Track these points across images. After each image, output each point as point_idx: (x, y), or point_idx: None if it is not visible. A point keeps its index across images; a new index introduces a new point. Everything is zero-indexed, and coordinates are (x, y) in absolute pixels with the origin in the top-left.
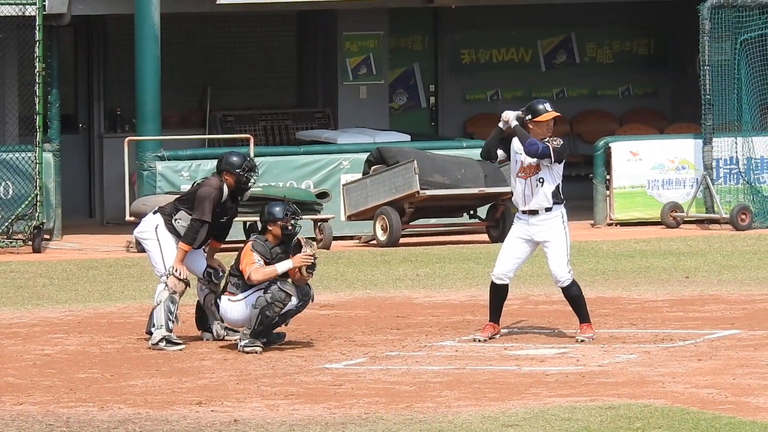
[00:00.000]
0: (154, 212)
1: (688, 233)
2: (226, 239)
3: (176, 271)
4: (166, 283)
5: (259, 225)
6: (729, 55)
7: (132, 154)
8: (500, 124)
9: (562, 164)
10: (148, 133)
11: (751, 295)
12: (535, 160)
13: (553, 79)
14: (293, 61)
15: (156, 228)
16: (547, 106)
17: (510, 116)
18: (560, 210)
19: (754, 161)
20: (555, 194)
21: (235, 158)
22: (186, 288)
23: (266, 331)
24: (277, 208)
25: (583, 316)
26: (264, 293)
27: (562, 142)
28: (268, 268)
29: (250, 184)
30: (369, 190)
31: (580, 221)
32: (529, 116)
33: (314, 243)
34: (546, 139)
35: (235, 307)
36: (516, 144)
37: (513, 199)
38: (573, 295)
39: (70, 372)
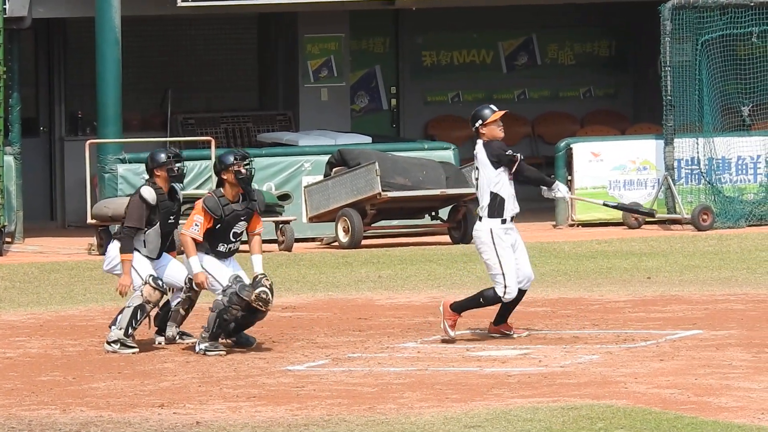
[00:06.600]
0: (112, 241)
1: (649, 234)
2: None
3: (149, 278)
4: (141, 291)
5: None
6: (690, 56)
7: (93, 157)
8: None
9: None
10: (109, 136)
11: (712, 296)
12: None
13: (514, 80)
14: (254, 63)
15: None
16: (492, 107)
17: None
18: None
19: (715, 161)
20: None
21: (158, 153)
22: (161, 297)
23: (226, 333)
24: (228, 155)
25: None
26: (222, 296)
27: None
28: (192, 248)
29: (183, 171)
30: (331, 191)
31: (542, 222)
32: (479, 122)
33: (268, 282)
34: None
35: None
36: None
37: (508, 207)
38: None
39: (32, 375)
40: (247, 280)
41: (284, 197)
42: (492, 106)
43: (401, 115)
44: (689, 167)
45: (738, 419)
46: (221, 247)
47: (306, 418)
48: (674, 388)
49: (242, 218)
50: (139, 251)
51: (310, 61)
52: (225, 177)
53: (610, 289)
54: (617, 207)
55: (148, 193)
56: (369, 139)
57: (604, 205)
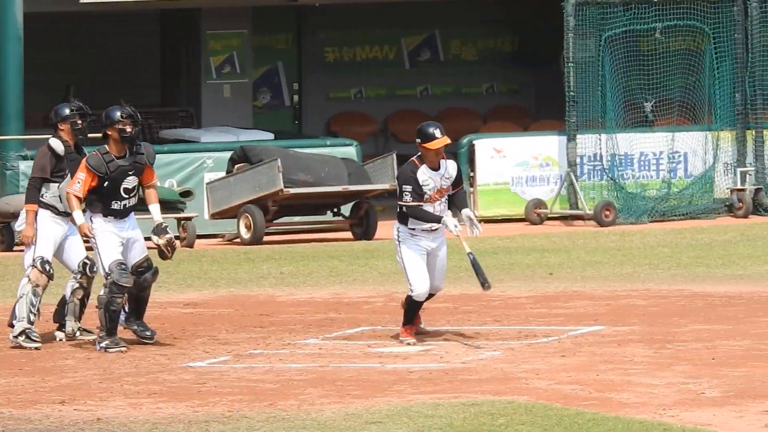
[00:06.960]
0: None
1: (552, 230)
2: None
3: (38, 260)
4: (29, 276)
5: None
6: (593, 52)
7: None
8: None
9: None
10: (11, 133)
11: (614, 291)
12: (448, 183)
13: (417, 76)
14: (157, 59)
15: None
16: (437, 132)
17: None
18: None
19: (617, 157)
20: None
21: (62, 107)
22: (49, 282)
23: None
24: (115, 111)
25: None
26: (103, 290)
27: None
28: (75, 204)
29: (85, 124)
30: (233, 188)
31: None
32: (419, 140)
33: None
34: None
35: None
36: (424, 174)
37: (412, 221)
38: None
39: None
40: (136, 254)
41: (186, 194)
42: (437, 132)
43: (303, 111)
44: (592, 163)
45: (639, 415)
46: (115, 205)
47: (207, 415)
48: (576, 383)
49: (130, 173)
50: (56, 208)
51: (212, 57)
52: (110, 133)
53: (512, 285)
54: (473, 263)
55: (56, 143)
56: (271, 136)
57: (468, 254)
